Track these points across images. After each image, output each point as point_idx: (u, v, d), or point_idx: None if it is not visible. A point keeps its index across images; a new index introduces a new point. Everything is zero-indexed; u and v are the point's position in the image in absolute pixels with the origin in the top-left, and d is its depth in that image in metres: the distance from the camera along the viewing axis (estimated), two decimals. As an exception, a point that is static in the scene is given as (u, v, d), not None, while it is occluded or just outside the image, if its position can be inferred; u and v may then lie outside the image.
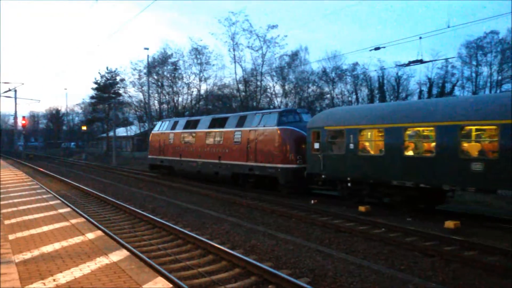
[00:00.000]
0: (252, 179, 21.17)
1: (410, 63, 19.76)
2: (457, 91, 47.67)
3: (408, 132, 14.49)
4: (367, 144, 15.99)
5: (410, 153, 14.34)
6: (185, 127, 26.78)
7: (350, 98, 54.15)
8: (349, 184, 16.20)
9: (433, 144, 13.48)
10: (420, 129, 14.57)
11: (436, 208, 15.21)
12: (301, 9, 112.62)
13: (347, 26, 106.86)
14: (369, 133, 16.10)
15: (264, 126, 20.12)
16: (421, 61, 19.34)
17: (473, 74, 47.89)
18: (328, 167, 16.73)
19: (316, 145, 17.28)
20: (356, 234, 11.93)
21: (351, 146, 15.88)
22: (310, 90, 55.51)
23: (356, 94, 53.94)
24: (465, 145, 12.99)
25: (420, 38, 19.24)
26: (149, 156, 30.77)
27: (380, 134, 15.36)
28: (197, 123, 25.80)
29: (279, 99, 56.29)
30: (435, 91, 48.47)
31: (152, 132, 31.37)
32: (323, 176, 17.09)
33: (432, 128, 13.58)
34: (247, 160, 20.80)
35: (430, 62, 35.91)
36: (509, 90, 40.90)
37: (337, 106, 47.00)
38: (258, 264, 8.43)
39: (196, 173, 25.24)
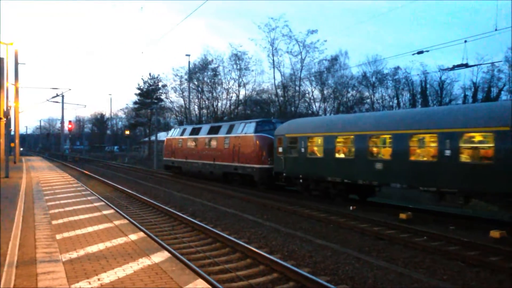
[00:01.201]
0: (236, 177, 25.20)
1: (454, 67, 19.22)
2: (503, 96, 45.78)
3: (338, 139, 17.94)
4: (314, 148, 19.39)
5: (340, 155, 17.85)
6: (191, 133, 31.07)
7: (391, 103, 53.11)
8: (301, 180, 19.76)
9: (353, 148, 16.93)
10: (346, 137, 17.79)
11: (368, 199, 18.89)
12: (341, 13, 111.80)
13: (388, 30, 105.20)
14: (315, 140, 19.38)
15: (245, 133, 24.05)
16: (466, 65, 18.80)
17: (521, 79, 45.85)
18: (287, 166, 20.46)
19: (280, 149, 20.96)
20: (396, 241, 11.68)
21: (302, 150, 19.54)
22: (349, 94, 54.89)
23: (398, 98, 52.87)
24: (373, 149, 16.47)
25: (465, 41, 18.68)
26: (164, 158, 35.88)
27: (321, 141, 18.68)
28: (199, 130, 30.15)
29: (317, 104, 56.00)
30: (480, 96, 46.81)
31: (167, 137, 36.12)
32: (284, 174, 20.71)
33: (352, 137, 17.06)
34: (232, 161, 24.89)
35: (476, 66, 34.73)
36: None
37: (377, 110, 46.33)
38: (296, 269, 8.42)
39: (197, 172, 29.55)
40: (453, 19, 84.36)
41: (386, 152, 15.98)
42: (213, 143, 27.32)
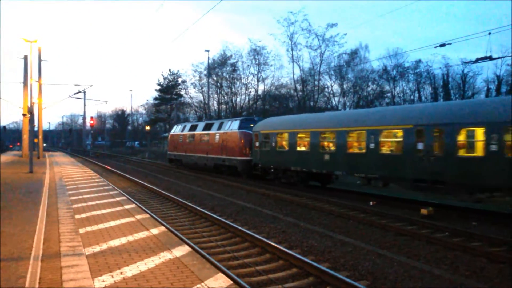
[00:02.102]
0: (224, 168, 28.59)
1: (478, 60, 18.79)
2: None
3: (299, 135, 21.42)
4: (282, 143, 22.78)
5: (301, 149, 21.17)
6: (189, 129, 34.64)
7: (412, 97, 52.26)
8: (272, 170, 23.45)
9: (309, 143, 20.44)
10: (304, 133, 21.13)
11: (327, 186, 22.22)
12: (362, 7, 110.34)
13: (409, 23, 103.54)
14: (283, 136, 22.75)
15: (231, 130, 27.46)
16: (490, 58, 18.37)
17: (547, 71, 44.50)
18: (262, 158, 24.10)
19: (257, 144, 24.46)
20: (417, 237, 11.55)
21: (273, 144, 23.05)
22: (369, 89, 54.28)
23: (419, 92, 51.98)
24: (323, 143, 19.75)
25: (489, 33, 18.27)
26: (168, 152, 40.00)
27: (287, 136, 22.24)
28: (196, 127, 33.53)
29: (337, 99, 55.57)
30: (503, 89, 45.67)
31: (170, 133, 40.00)
32: (260, 165, 24.31)
33: (309, 133, 20.54)
34: (221, 154, 28.33)
35: (500, 58, 33.95)
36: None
37: (398, 104, 45.87)
38: (316, 264, 8.41)
39: (194, 164, 33.35)
40: (476, 11, 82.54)
41: (331, 146, 19.35)
42: (206, 139, 30.96)
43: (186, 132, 35.19)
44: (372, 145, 16.66)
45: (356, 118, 18.38)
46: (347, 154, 18.00)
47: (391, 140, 16.41)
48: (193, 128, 34.05)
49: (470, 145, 13.74)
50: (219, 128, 29.26)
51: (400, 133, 15.67)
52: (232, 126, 27.59)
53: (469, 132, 13.69)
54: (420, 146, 14.65)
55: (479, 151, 13.23)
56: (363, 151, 17.19)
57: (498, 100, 16.15)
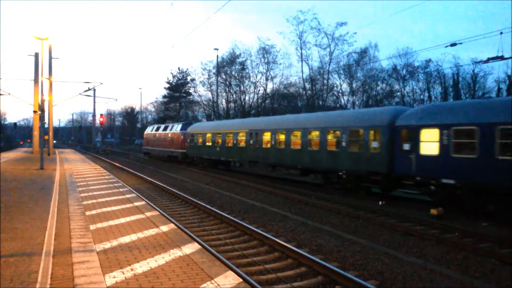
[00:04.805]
0: (172, 158, 40.17)
1: (489, 60, 18.63)
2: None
3: (207, 135, 32.72)
4: (199, 140, 34.10)
5: (209, 144, 32.38)
6: (156, 130, 46.03)
7: (422, 96, 51.89)
8: (195, 158, 35.30)
9: (211, 140, 31.87)
10: (209, 134, 32.50)
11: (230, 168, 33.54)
12: (371, 5, 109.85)
13: (419, 22, 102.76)
14: (200, 135, 34.10)
15: (176, 131, 39.40)
16: (501, 58, 18.20)
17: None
18: (190, 151, 36.08)
19: (188, 140, 36.59)
20: (427, 238, 11.50)
21: (195, 141, 34.86)
22: (379, 88, 54.02)
23: (429, 92, 51.59)
24: (218, 140, 31.04)
25: (501, 33, 18.09)
26: (143, 147, 52.71)
27: (202, 135, 33.66)
28: (159, 128, 45.25)
29: (346, 98, 55.36)
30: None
31: (145, 132, 51.72)
32: (189, 155, 36.21)
33: (211, 134, 32.10)
34: (171, 148, 40.47)
35: (511, 58, 33.57)
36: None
37: (407, 104, 45.72)
38: (325, 263, 8.41)
39: (157, 155, 44.66)
40: (488, 10, 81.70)
41: (221, 142, 30.49)
42: (164, 137, 42.46)
43: (153, 131, 46.76)
44: (235, 141, 28.30)
45: (231, 125, 30.61)
46: (226, 147, 29.66)
47: (242, 138, 27.34)
48: (158, 129, 45.77)
49: (266, 141, 24.54)
50: (170, 129, 41.16)
51: (244, 134, 27.17)
52: (177, 128, 39.54)
53: (264, 134, 24.75)
54: (251, 141, 26.20)
55: (269, 144, 24.17)
56: (231, 145, 28.73)
57: (284, 117, 26.17)
